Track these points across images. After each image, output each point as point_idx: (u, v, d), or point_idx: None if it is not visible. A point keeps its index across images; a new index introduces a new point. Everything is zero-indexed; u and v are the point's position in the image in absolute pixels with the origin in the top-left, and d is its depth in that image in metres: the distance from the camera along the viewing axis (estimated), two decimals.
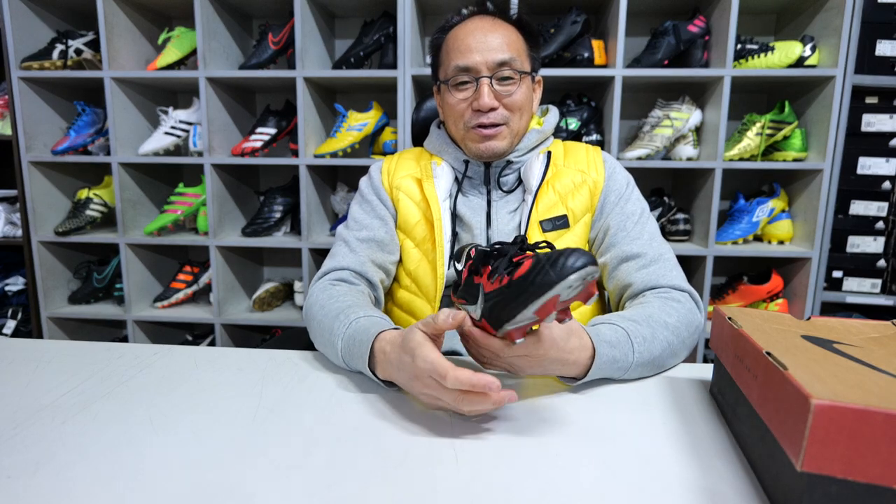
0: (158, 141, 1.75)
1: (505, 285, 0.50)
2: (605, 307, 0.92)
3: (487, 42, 0.79)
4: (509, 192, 0.87)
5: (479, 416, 0.55)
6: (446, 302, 0.83)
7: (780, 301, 1.70)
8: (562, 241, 0.83)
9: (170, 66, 1.70)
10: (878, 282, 1.63)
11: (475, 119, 0.81)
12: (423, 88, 1.73)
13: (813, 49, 1.55)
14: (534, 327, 0.54)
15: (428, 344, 0.53)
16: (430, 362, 0.52)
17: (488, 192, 0.87)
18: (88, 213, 1.83)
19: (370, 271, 0.83)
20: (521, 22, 0.85)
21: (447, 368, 0.50)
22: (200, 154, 1.75)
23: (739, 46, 1.57)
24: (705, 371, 0.68)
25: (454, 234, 0.86)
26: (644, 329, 0.65)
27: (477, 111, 0.81)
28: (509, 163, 0.86)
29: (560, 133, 1.62)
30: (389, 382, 0.61)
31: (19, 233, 1.83)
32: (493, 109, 0.80)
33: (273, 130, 1.75)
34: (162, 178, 1.95)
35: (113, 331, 2.09)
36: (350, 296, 0.74)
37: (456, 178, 0.88)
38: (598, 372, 0.61)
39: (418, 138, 1.12)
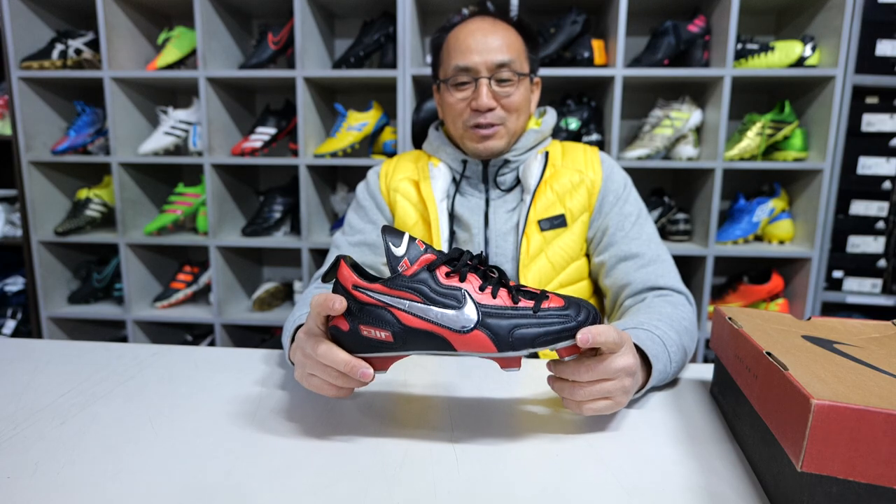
0: (158, 141, 1.75)
1: (531, 308, 0.47)
2: (601, 305, 0.92)
3: (487, 43, 0.80)
4: (507, 191, 0.87)
5: (477, 416, 0.55)
6: None
7: (780, 301, 1.69)
8: (560, 239, 0.85)
9: (169, 66, 1.70)
10: (879, 282, 1.63)
11: (473, 119, 0.82)
12: (423, 88, 1.73)
13: (813, 49, 1.55)
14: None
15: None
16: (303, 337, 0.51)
17: (486, 192, 0.88)
18: (88, 213, 1.83)
19: None
20: (520, 24, 0.86)
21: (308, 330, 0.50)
22: (200, 154, 1.75)
23: (740, 46, 1.57)
24: (705, 371, 0.68)
25: (452, 234, 0.86)
26: (673, 334, 0.64)
27: (475, 111, 0.82)
28: (507, 162, 0.87)
29: (560, 133, 1.61)
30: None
31: (19, 233, 1.83)
32: (490, 110, 0.81)
33: (273, 130, 1.75)
34: (162, 178, 1.94)
35: (113, 331, 2.09)
36: None
37: (454, 179, 0.89)
38: (650, 383, 0.58)
39: (418, 139, 1.12)
